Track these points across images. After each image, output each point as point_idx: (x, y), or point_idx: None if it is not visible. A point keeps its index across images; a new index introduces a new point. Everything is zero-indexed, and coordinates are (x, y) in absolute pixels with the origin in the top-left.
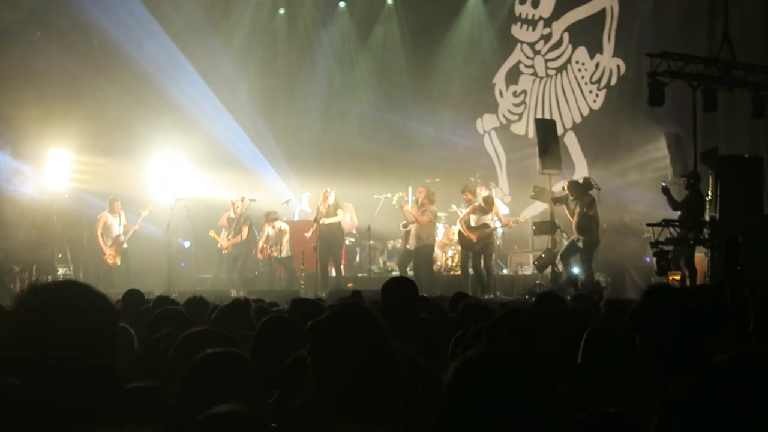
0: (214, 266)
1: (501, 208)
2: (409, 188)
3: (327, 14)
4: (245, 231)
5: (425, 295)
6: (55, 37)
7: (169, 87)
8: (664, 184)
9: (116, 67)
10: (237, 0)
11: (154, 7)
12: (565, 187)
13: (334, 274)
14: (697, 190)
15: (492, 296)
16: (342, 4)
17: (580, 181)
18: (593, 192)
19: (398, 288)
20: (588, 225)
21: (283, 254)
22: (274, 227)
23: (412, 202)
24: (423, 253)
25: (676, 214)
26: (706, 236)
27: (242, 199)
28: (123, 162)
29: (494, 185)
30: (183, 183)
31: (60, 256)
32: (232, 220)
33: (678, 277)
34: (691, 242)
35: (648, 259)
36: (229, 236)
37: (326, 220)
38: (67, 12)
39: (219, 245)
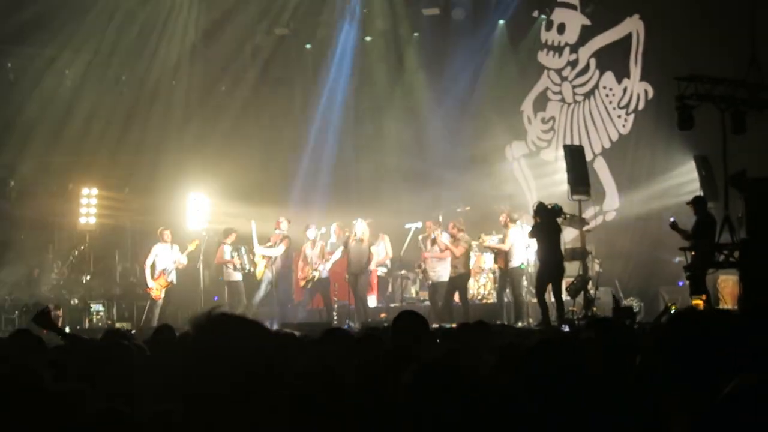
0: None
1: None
2: (440, 217)
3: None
4: (286, 243)
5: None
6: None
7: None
8: (672, 219)
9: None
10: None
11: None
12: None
13: (371, 304)
14: (705, 213)
15: (524, 324)
16: (368, 38)
17: (549, 206)
18: (560, 220)
19: (406, 324)
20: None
21: (324, 274)
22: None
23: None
24: (459, 283)
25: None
26: (737, 259)
27: (279, 222)
28: (152, 198)
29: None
30: (211, 215)
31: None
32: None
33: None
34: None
35: (681, 283)
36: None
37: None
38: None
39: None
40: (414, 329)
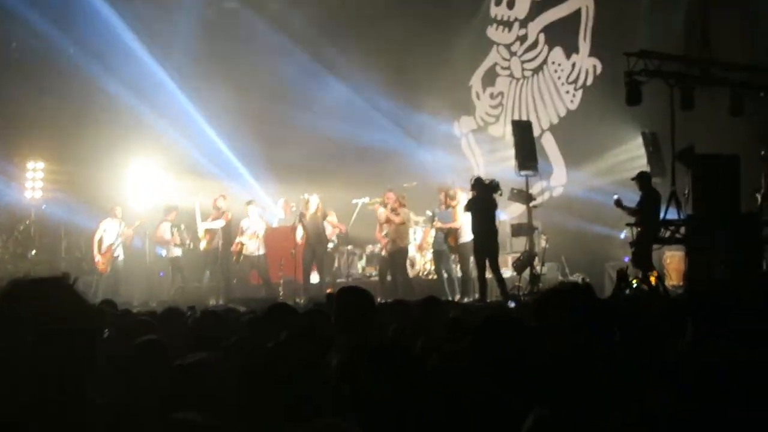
0: (195, 274)
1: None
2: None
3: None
4: (225, 218)
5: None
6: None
7: (142, 98)
8: (616, 196)
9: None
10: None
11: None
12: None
13: (316, 280)
14: (650, 189)
15: (470, 300)
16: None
17: (486, 180)
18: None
19: (348, 297)
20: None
21: (261, 251)
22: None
23: (382, 207)
24: (398, 257)
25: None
26: (683, 235)
27: (222, 196)
28: (99, 171)
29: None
30: (159, 192)
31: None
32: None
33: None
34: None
35: (627, 259)
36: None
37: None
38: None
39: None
40: (358, 305)
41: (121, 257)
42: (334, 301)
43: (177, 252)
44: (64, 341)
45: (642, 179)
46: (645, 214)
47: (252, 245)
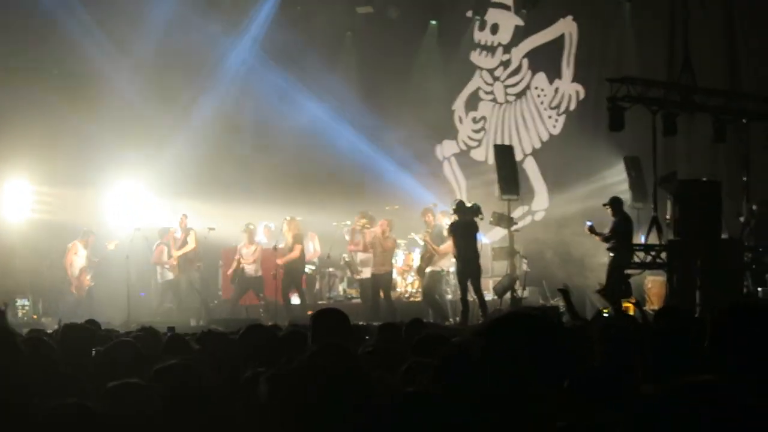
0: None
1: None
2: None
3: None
4: (192, 237)
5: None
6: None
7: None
8: (588, 223)
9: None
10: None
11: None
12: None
13: (297, 302)
14: (622, 214)
15: (450, 322)
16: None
17: (468, 204)
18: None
19: (327, 319)
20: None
21: (258, 273)
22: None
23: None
24: (384, 280)
25: (636, 238)
26: (664, 260)
27: (184, 216)
28: (82, 192)
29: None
30: (142, 213)
31: None
32: (177, 240)
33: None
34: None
35: None
36: (177, 248)
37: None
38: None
39: (167, 266)
40: (332, 327)
41: (92, 283)
42: (310, 323)
43: (170, 276)
44: None
45: (614, 205)
46: (618, 240)
47: (251, 268)
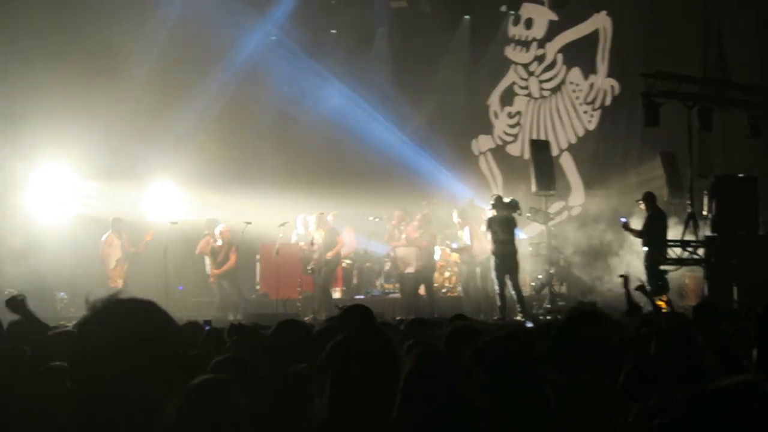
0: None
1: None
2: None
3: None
4: (233, 257)
5: (425, 318)
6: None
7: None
8: (623, 219)
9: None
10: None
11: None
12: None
13: (337, 296)
14: (655, 209)
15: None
16: (333, 31)
17: (506, 199)
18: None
19: (354, 317)
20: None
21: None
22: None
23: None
24: (424, 277)
25: (673, 234)
26: (701, 256)
27: (227, 228)
28: (120, 185)
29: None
30: (178, 206)
31: None
32: (216, 250)
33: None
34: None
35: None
36: (217, 266)
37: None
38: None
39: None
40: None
41: (127, 276)
42: (338, 320)
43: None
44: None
45: (648, 200)
46: (651, 235)
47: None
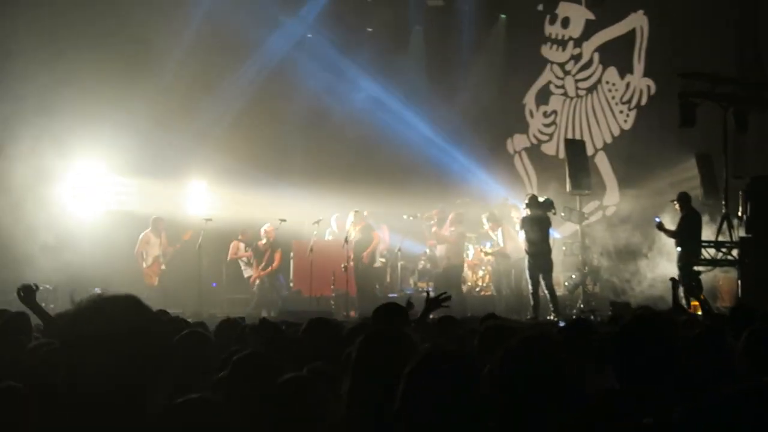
0: (246, 286)
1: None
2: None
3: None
4: (278, 258)
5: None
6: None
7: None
8: (657, 219)
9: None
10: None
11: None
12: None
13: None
14: (690, 210)
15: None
16: (369, 29)
17: (541, 199)
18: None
19: (387, 314)
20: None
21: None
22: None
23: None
24: (452, 274)
25: (707, 235)
26: (736, 257)
27: (272, 228)
28: (154, 182)
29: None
30: (212, 203)
31: None
32: (260, 250)
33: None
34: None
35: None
36: (262, 267)
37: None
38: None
39: (249, 276)
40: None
41: (163, 273)
42: (371, 318)
43: (249, 272)
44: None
45: (682, 201)
46: (684, 236)
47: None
